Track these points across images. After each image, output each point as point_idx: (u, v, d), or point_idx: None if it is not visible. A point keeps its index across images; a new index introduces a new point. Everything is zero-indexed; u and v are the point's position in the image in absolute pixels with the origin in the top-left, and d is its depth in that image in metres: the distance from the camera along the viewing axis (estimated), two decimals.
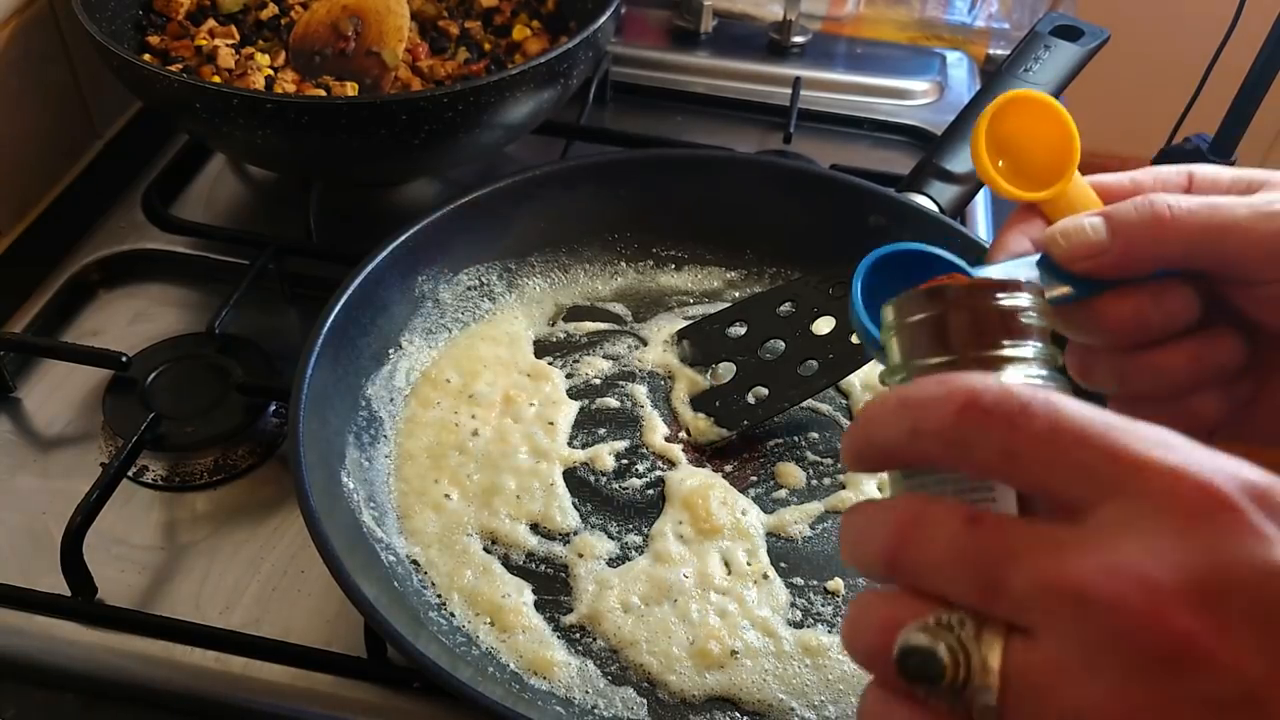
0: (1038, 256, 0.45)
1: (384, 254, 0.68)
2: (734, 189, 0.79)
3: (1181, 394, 0.45)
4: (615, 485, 0.66)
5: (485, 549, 0.62)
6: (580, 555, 0.62)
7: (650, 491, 0.66)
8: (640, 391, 0.72)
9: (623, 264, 0.80)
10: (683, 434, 0.69)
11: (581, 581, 0.60)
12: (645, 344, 0.75)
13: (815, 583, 0.61)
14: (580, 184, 0.78)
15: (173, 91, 0.72)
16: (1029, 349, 0.36)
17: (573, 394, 0.71)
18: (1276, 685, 0.26)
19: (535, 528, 0.63)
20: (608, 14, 0.81)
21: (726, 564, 0.61)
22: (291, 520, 0.65)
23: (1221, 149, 1.28)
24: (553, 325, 0.76)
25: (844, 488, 0.67)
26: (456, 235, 0.73)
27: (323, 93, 0.80)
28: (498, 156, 0.90)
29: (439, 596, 0.59)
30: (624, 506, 0.65)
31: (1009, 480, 0.32)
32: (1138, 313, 0.43)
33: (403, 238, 0.69)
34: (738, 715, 0.55)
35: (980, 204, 0.90)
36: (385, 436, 0.66)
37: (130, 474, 0.66)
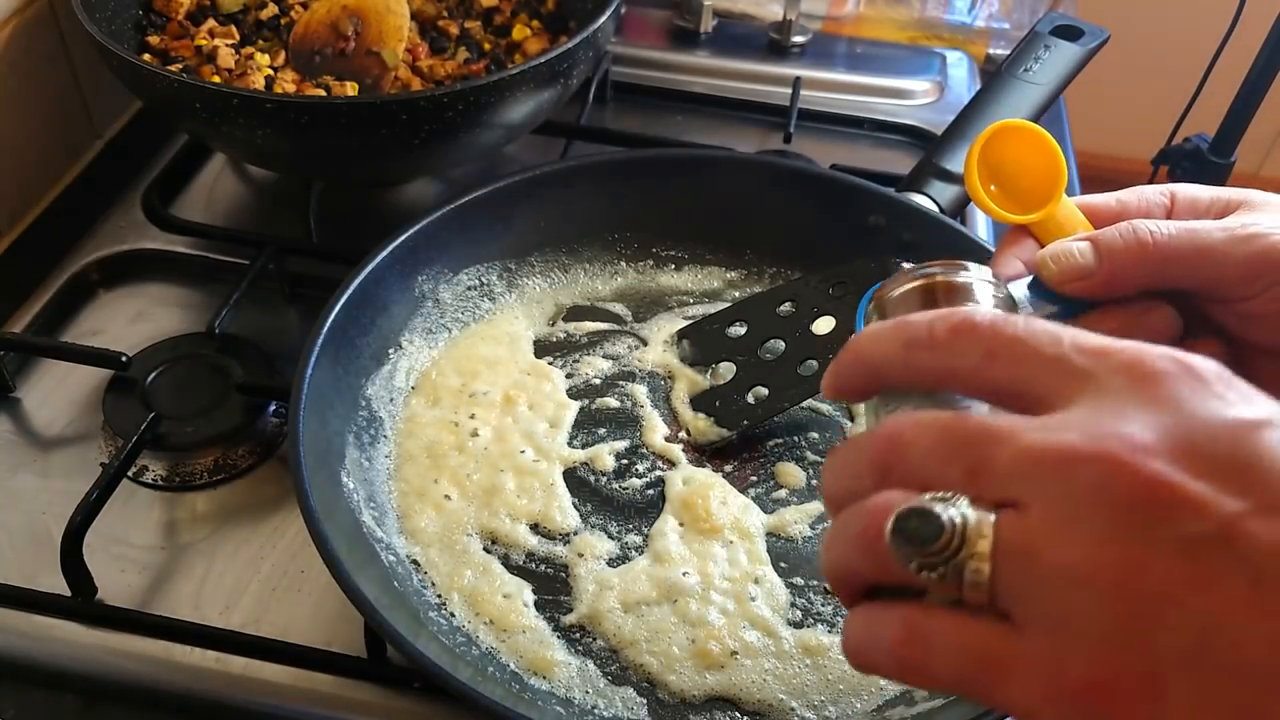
0: (1029, 278, 0.48)
1: (384, 254, 0.68)
2: (734, 189, 0.79)
3: None
4: (615, 485, 0.66)
5: (485, 549, 0.62)
6: (580, 555, 0.62)
7: (650, 491, 0.66)
8: (640, 391, 0.72)
9: (623, 264, 0.80)
10: (683, 434, 0.69)
11: (581, 581, 0.60)
12: (645, 344, 0.75)
13: (815, 583, 0.61)
14: (580, 184, 0.78)
15: (173, 91, 0.72)
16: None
17: (573, 394, 0.71)
18: (1243, 522, 0.28)
19: (535, 528, 0.63)
20: (608, 14, 0.81)
21: (727, 564, 0.61)
22: (291, 520, 0.65)
23: (1221, 149, 1.27)
24: (553, 325, 0.76)
25: None
26: (456, 235, 0.73)
27: (323, 93, 0.80)
28: (498, 156, 0.90)
29: (439, 596, 0.59)
30: (624, 506, 0.65)
31: (990, 379, 0.35)
32: (1123, 330, 0.45)
33: (403, 238, 0.70)
34: (738, 715, 0.55)
35: None
36: (385, 436, 0.67)
37: (130, 474, 0.66)
